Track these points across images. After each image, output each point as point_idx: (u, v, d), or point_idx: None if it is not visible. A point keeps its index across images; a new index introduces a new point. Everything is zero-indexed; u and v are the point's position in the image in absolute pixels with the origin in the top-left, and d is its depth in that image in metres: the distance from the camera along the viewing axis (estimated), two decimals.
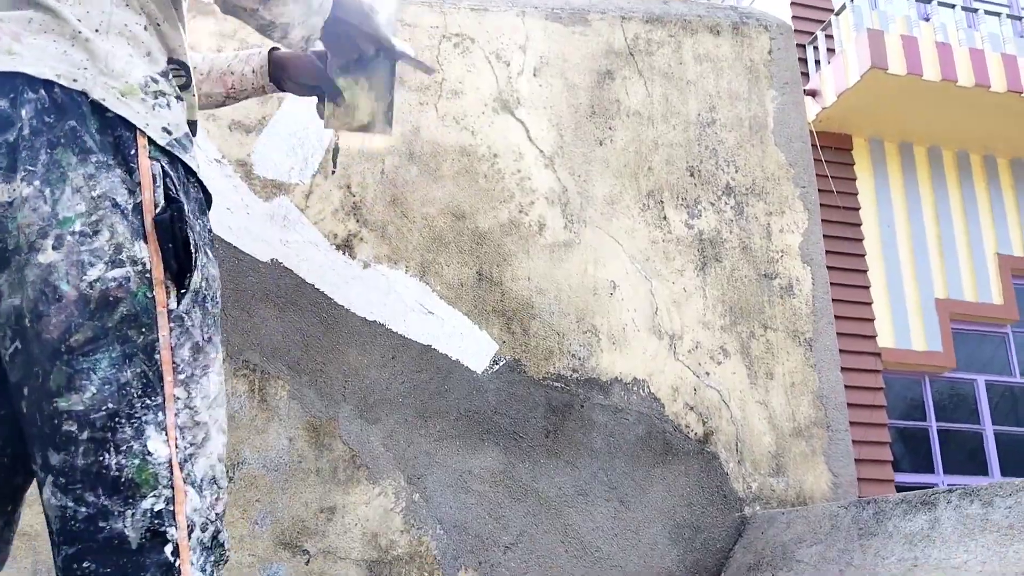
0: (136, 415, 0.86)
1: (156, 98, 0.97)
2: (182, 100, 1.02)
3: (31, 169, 0.87)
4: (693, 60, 2.08)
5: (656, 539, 1.69)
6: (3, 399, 0.92)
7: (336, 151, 1.80)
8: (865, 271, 6.38)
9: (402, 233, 1.77)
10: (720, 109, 2.05)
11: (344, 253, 1.72)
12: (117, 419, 0.85)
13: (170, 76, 1.01)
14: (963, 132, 6.92)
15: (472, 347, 1.72)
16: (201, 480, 0.89)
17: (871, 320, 6.25)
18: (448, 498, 1.61)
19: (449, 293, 1.75)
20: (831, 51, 6.75)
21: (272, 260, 1.65)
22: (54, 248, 0.86)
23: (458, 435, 1.65)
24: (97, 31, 0.95)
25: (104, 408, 0.84)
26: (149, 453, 0.85)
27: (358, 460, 1.59)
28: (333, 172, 1.77)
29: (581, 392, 1.75)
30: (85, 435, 0.84)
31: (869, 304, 6.30)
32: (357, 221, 1.75)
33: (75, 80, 0.91)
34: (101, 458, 0.83)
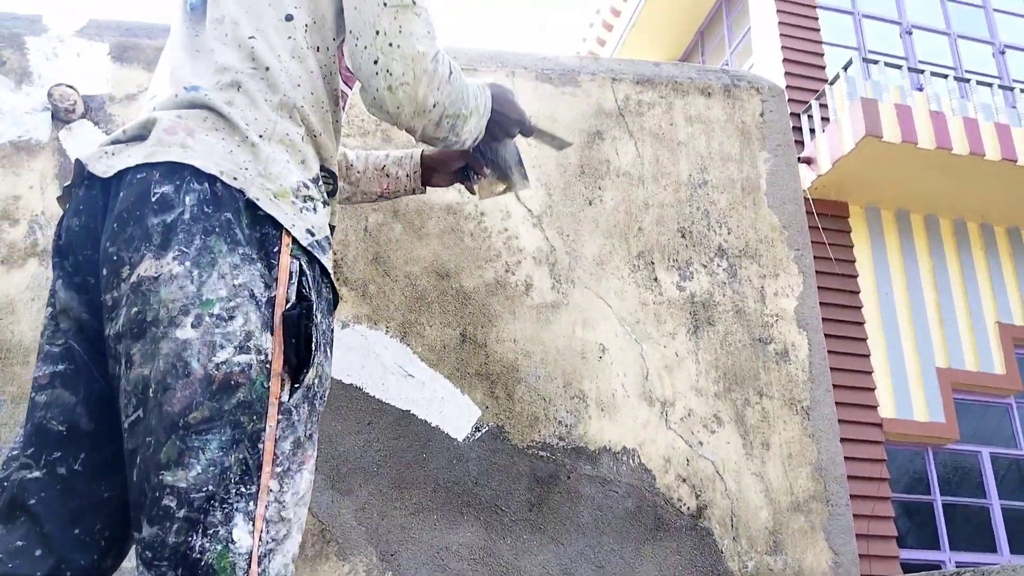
0: (229, 500, 0.87)
1: (305, 202, 1.04)
2: (327, 205, 1.10)
3: (184, 250, 0.93)
4: (684, 121, 2.05)
5: None
6: (114, 460, 0.97)
7: None
8: (864, 339, 6.31)
9: (384, 292, 1.71)
10: (712, 170, 2.01)
11: None
12: (213, 502, 0.86)
13: (320, 183, 1.09)
14: (959, 200, 6.94)
15: (453, 413, 1.64)
16: None
17: (872, 389, 6.15)
18: None
19: (431, 355, 1.68)
20: (825, 119, 6.82)
21: None
22: (192, 326, 0.91)
23: (436, 508, 1.55)
24: (261, 136, 1.04)
25: (205, 489, 0.86)
26: (233, 541, 0.86)
27: (328, 534, 1.49)
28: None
29: (568, 462, 1.66)
30: (182, 513, 0.85)
31: (869, 373, 6.20)
32: (337, 279, 1.69)
33: (235, 179, 0.99)
34: (190, 538, 0.85)
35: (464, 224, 1.81)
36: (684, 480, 1.69)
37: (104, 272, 0.96)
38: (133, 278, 0.93)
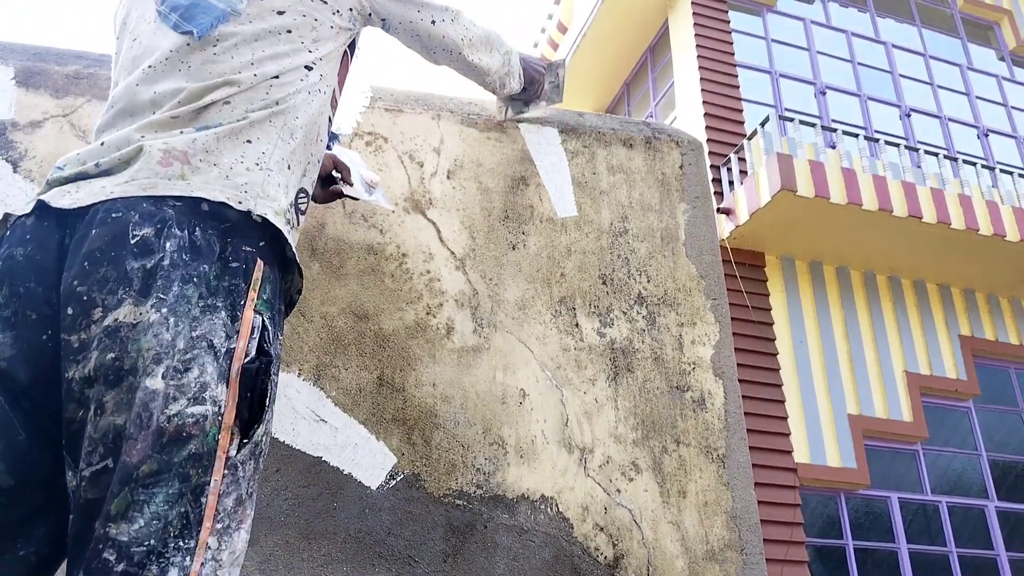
0: (167, 555, 0.85)
1: (289, 224, 1.09)
2: (296, 230, 1.15)
3: (162, 297, 0.92)
4: (607, 171, 2.08)
5: None
6: (48, 513, 0.94)
7: None
8: (780, 386, 6.48)
9: (298, 333, 1.66)
10: (632, 219, 2.04)
11: None
12: (151, 556, 0.84)
13: (295, 207, 1.14)
14: (869, 253, 7.25)
15: (367, 460, 1.59)
16: None
17: (787, 435, 6.30)
18: None
19: (346, 399, 1.63)
20: (744, 172, 7.06)
21: None
22: (163, 376, 0.89)
23: (346, 559, 1.49)
24: (261, 157, 1.07)
25: (145, 544, 0.84)
26: None
27: None
28: None
29: (485, 511, 1.62)
30: (120, 568, 0.83)
31: (784, 419, 6.36)
32: None
33: (240, 202, 1.00)
34: None
35: (385, 265, 1.78)
36: (602, 529, 1.68)
37: (69, 311, 0.92)
38: (108, 321, 0.90)
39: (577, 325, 1.87)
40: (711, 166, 7.00)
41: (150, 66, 1.12)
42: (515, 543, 1.61)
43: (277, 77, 1.13)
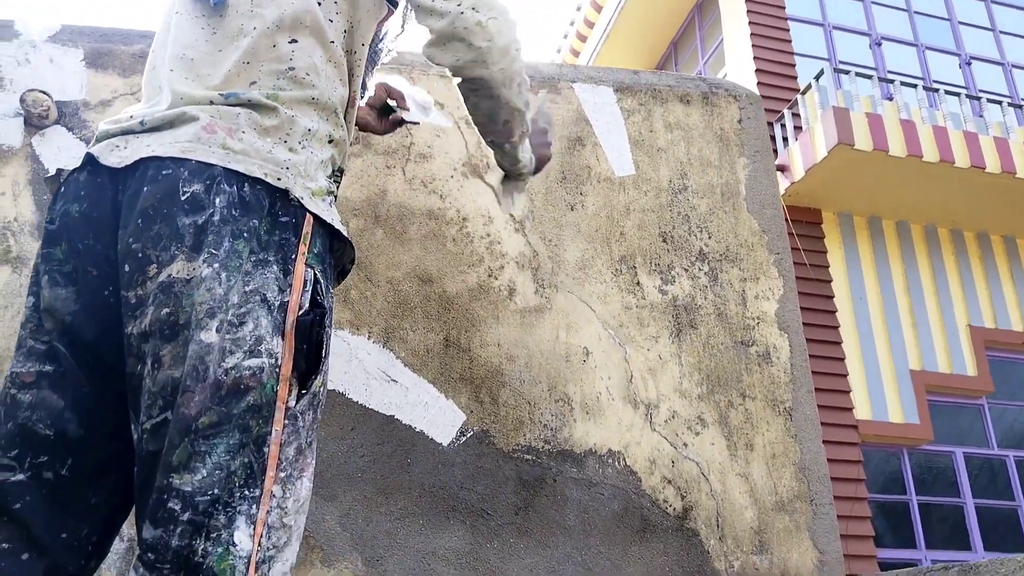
0: (233, 504, 0.86)
1: (329, 196, 1.08)
2: (336, 200, 1.14)
3: (214, 252, 0.93)
4: (664, 128, 2.07)
5: None
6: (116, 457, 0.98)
7: None
8: (840, 343, 6.38)
9: (366, 298, 1.70)
10: (691, 176, 2.03)
11: None
12: (216, 505, 0.86)
13: (334, 179, 1.13)
14: (930, 206, 7.05)
15: (438, 417, 1.63)
16: None
17: (847, 392, 6.22)
18: None
19: (414, 360, 1.67)
20: (798, 128, 6.90)
21: None
22: (216, 330, 0.90)
23: (421, 513, 1.55)
24: (302, 136, 1.05)
25: (210, 493, 0.86)
26: (234, 544, 0.85)
27: (312, 541, 1.48)
28: None
29: (553, 465, 1.65)
30: (186, 516, 0.84)
31: (845, 376, 6.27)
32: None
33: (279, 179, 1.00)
34: (193, 542, 0.84)
35: (446, 229, 1.81)
36: (670, 482, 1.70)
37: (126, 268, 0.95)
38: (162, 277, 0.92)
39: (638, 283, 1.88)
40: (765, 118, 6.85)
41: (175, 35, 1.12)
42: (584, 496, 1.64)
43: (296, 40, 1.09)
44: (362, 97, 1.58)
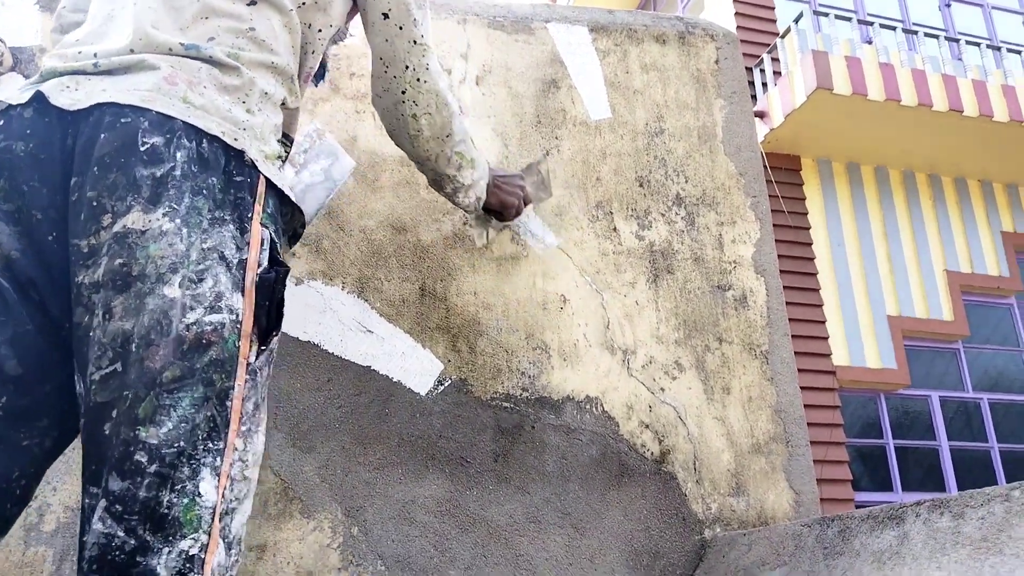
0: (197, 456, 0.88)
1: (279, 163, 1.09)
2: (285, 159, 1.15)
3: (175, 207, 0.93)
4: (640, 69, 2.03)
5: (613, 566, 1.59)
6: (59, 409, 0.96)
7: None
8: (817, 289, 6.43)
9: (338, 247, 1.67)
10: (668, 119, 2.00)
11: None
12: (181, 457, 0.87)
13: (285, 145, 1.14)
14: (908, 151, 7.05)
15: (415, 367, 1.62)
16: (232, 537, 0.90)
17: (825, 338, 6.28)
18: (390, 531, 1.50)
19: (390, 310, 1.65)
20: (777, 73, 6.85)
21: None
22: (179, 285, 0.90)
23: (400, 462, 1.54)
24: (258, 98, 1.06)
25: (176, 445, 0.86)
26: (199, 494, 0.87)
27: (291, 492, 1.47)
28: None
29: (531, 412, 1.65)
30: (153, 468, 0.85)
31: (823, 322, 6.33)
32: None
33: (235, 139, 1.00)
34: (160, 493, 0.85)
35: (419, 176, 1.77)
36: (647, 426, 1.70)
37: (81, 216, 0.92)
38: (117, 227, 0.91)
39: (615, 229, 1.86)
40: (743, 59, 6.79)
41: None
42: (563, 442, 1.64)
43: (254, 3, 1.09)
44: (321, 78, 1.61)
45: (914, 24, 8.02)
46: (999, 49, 7.28)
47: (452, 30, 1.91)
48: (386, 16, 1.27)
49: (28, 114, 0.98)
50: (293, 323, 1.57)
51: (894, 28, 6.97)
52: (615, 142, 1.94)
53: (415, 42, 1.29)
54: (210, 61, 1.02)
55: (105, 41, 1.04)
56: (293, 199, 1.08)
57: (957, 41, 7.26)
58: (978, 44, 7.23)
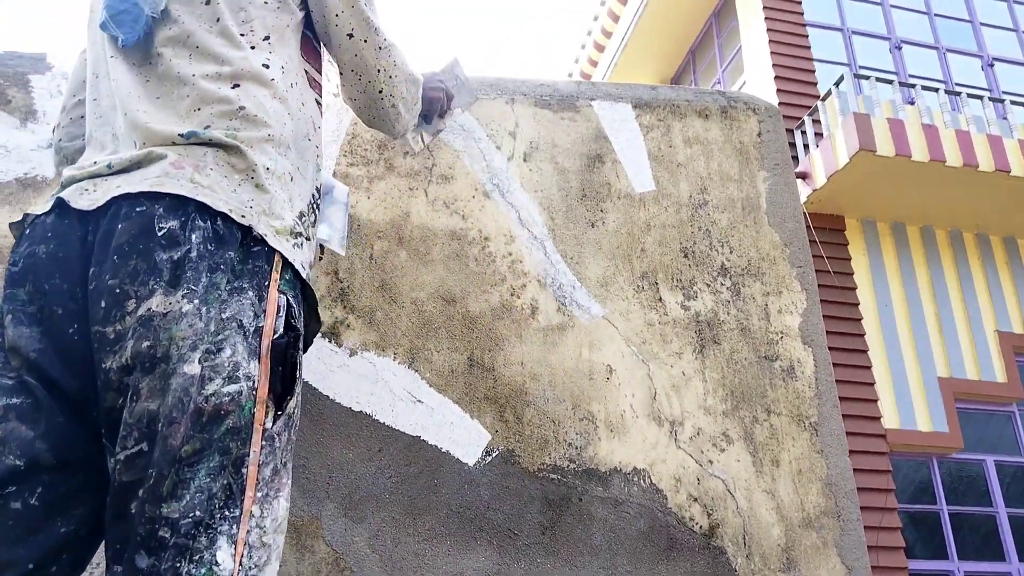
0: (214, 525, 0.89)
1: (296, 238, 1.10)
2: (311, 241, 1.15)
3: (193, 288, 0.95)
4: (683, 143, 2.08)
5: None
6: (85, 492, 0.98)
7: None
8: (866, 351, 6.31)
9: (390, 319, 1.72)
10: (711, 191, 2.03)
11: (330, 341, 1.66)
12: (199, 527, 0.88)
13: (304, 220, 1.14)
14: (954, 211, 6.97)
15: (463, 437, 1.65)
16: None
17: (875, 401, 6.15)
18: None
19: (439, 380, 1.69)
20: (819, 135, 6.87)
21: None
22: (199, 362, 0.92)
23: (449, 533, 1.56)
24: (265, 173, 1.07)
25: (192, 515, 0.88)
26: (217, 563, 0.88)
27: (342, 563, 1.49)
28: (320, 259, 1.73)
29: (579, 484, 1.66)
30: (173, 541, 0.86)
31: (872, 385, 6.20)
32: (344, 307, 1.70)
33: (243, 216, 1.02)
34: (178, 564, 0.86)
35: (468, 249, 1.82)
36: (696, 499, 1.70)
37: (102, 304, 0.96)
38: (141, 311, 0.94)
39: (660, 299, 1.88)
40: (784, 130, 6.81)
41: (112, 88, 1.13)
42: (610, 514, 1.64)
43: (238, 85, 1.12)
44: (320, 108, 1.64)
45: (957, 84, 8.01)
46: None
47: (501, 109, 1.98)
48: (351, 36, 1.31)
49: (50, 220, 1.04)
50: (346, 393, 1.62)
51: (936, 90, 6.96)
52: (659, 214, 1.97)
53: (380, 48, 1.33)
54: (213, 144, 1.06)
55: (115, 152, 1.10)
56: (304, 276, 1.09)
57: (1002, 101, 7.23)
58: (1023, 103, 7.18)
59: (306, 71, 1.28)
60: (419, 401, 1.66)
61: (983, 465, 6.61)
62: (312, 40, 1.33)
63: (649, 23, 9.51)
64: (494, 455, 1.65)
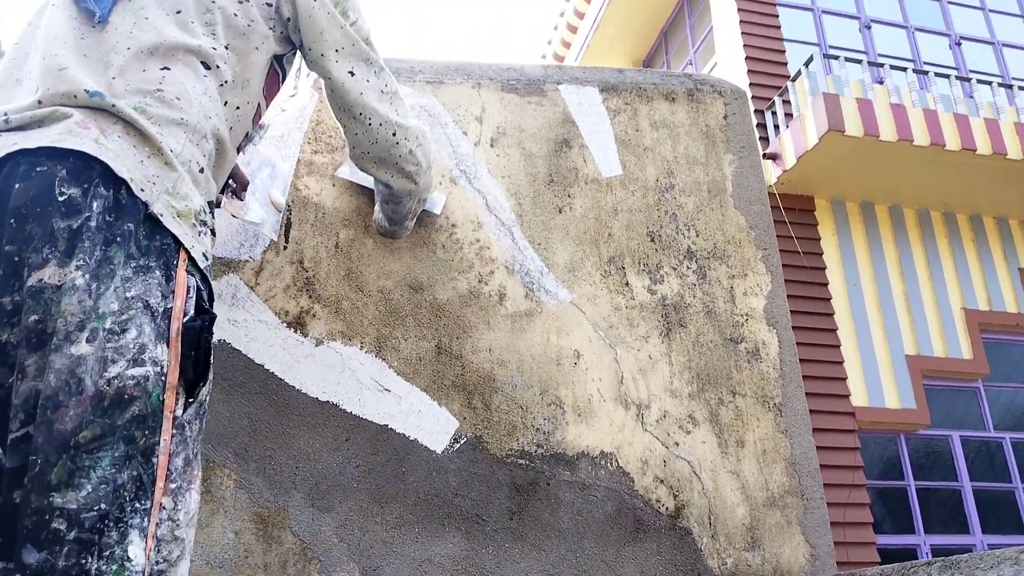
0: (124, 519, 0.84)
1: (202, 226, 1.04)
2: (214, 235, 1.11)
3: (87, 260, 0.89)
4: (650, 127, 2.08)
5: None
6: None
7: (289, 226, 1.75)
8: (834, 330, 6.40)
9: (357, 308, 1.71)
10: (678, 174, 2.04)
11: (296, 331, 1.65)
12: (106, 521, 0.83)
13: (211, 213, 1.10)
14: (922, 190, 7.07)
15: (431, 425, 1.65)
16: None
17: (843, 379, 6.25)
18: None
19: (407, 368, 1.69)
20: (789, 116, 6.91)
21: (219, 340, 1.58)
22: (87, 341, 0.86)
23: (417, 521, 1.56)
24: (173, 153, 1.03)
25: (96, 508, 0.82)
26: (129, 559, 0.83)
27: (309, 552, 1.50)
28: (285, 248, 1.72)
29: (546, 469, 1.67)
30: (72, 535, 0.81)
31: (841, 363, 6.30)
32: (310, 297, 1.69)
33: (143, 190, 0.96)
34: (83, 561, 0.80)
35: (436, 236, 1.82)
36: (662, 481, 1.72)
37: (1, 272, 0.89)
38: (32, 281, 0.88)
39: (627, 284, 1.89)
40: (755, 111, 6.86)
41: (45, 32, 1.08)
42: (578, 498, 1.66)
43: (168, 68, 1.08)
44: (249, 141, 1.60)
45: (925, 64, 8.08)
46: (1011, 87, 7.32)
47: (467, 94, 1.97)
48: (352, 74, 1.29)
49: None
50: (312, 383, 1.61)
51: (905, 69, 7.03)
52: (626, 198, 1.98)
53: (383, 91, 1.35)
54: (119, 113, 1.00)
55: (14, 101, 1.03)
56: (201, 265, 1.03)
57: (968, 80, 7.31)
58: (989, 82, 7.27)
59: (259, 104, 1.25)
60: (386, 390, 1.65)
61: (949, 441, 6.75)
62: (278, 78, 1.30)
63: (621, 4, 9.49)
64: (462, 442, 1.65)
